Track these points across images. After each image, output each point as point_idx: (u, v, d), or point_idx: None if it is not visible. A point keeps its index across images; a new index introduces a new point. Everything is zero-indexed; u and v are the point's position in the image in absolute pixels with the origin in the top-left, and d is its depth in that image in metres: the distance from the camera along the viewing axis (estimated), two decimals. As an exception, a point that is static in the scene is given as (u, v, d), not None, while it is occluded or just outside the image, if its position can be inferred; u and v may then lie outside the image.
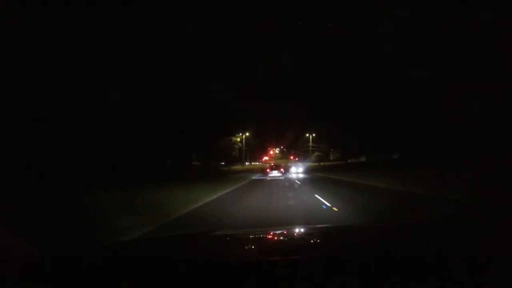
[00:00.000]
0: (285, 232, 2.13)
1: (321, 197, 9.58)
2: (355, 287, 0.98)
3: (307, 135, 56.84)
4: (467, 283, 0.99)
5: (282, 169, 30.21)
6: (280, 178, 23.37)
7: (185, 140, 22.82)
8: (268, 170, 30.38)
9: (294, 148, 67.59)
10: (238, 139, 49.35)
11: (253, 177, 24.94)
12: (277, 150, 79.55)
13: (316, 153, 63.57)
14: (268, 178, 23.64)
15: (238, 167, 47.05)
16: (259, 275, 1.03)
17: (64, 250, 1.56)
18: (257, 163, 74.23)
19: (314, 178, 23.13)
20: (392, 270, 1.06)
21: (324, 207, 7.72)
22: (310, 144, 57.22)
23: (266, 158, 76.10)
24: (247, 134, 51.29)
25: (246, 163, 64.75)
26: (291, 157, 79.99)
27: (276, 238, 1.95)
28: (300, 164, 42.29)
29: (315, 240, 1.88)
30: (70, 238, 3.28)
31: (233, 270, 1.09)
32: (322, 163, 47.28)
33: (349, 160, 49.83)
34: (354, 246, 1.53)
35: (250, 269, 1.11)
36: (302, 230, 2.36)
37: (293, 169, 37.13)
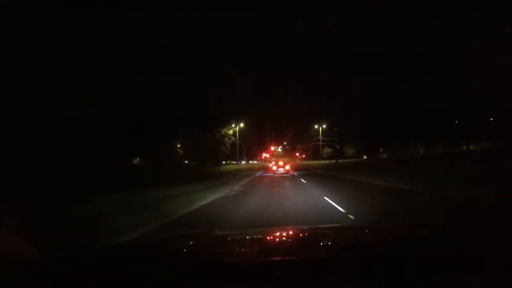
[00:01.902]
0: (285, 232, 2.21)
1: None
2: (355, 287, 1.03)
3: (316, 126, 46.06)
4: (465, 285, 1.04)
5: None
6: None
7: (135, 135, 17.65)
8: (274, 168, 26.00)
9: (301, 143, 56.52)
10: (231, 132, 41.51)
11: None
12: (279, 149, 69.19)
13: (326, 149, 52.66)
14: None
15: (224, 167, 36.44)
16: (259, 275, 1.08)
17: (64, 250, 1.63)
18: (255, 162, 63.56)
19: None
20: (392, 270, 1.09)
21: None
22: (320, 137, 46.15)
23: (266, 155, 65.10)
24: (242, 125, 40.27)
25: (243, 162, 54.80)
26: (297, 154, 68.72)
27: (276, 238, 2.01)
28: None
29: (315, 240, 1.91)
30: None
31: (232, 270, 1.13)
32: (339, 160, 37.30)
33: (370, 156, 44.10)
34: (354, 247, 1.59)
35: (249, 269, 1.15)
36: (302, 230, 2.47)
37: None
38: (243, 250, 1.70)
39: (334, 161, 43.98)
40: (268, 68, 56.69)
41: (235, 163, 48.35)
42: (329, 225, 3.59)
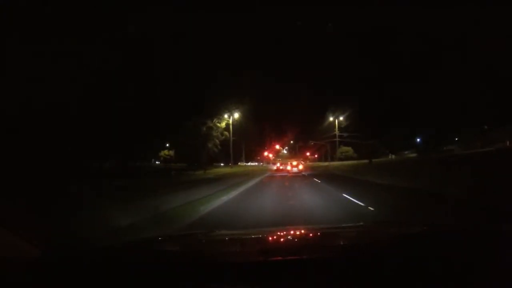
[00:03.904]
0: (285, 232, 2.29)
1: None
2: (356, 287, 1.10)
3: (331, 119, 36.88)
4: (465, 286, 1.10)
5: None
6: None
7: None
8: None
9: (314, 139, 47.26)
10: (223, 124, 33.90)
11: None
12: (284, 150, 60.26)
13: (343, 147, 43.19)
14: None
15: (213, 170, 33.13)
16: (259, 275, 1.12)
17: (64, 250, 1.61)
18: (255, 164, 54.25)
19: None
20: (392, 271, 1.12)
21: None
22: (336, 132, 36.81)
23: (269, 155, 55.53)
24: (236, 116, 36.82)
25: (243, 163, 45.80)
26: (308, 154, 59.07)
27: (276, 238, 2.09)
28: None
29: (315, 240, 2.03)
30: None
31: (232, 270, 1.16)
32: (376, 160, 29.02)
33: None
34: (354, 247, 1.64)
35: (249, 269, 1.18)
36: (302, 230, 2.57)
37: None
38: (243, 250, 1.77)
39: (354, 162, 35.45)
40: (268, 68, 54.97)
41: (230, 166, 38.88)
42: (330, 225, 3.70)
